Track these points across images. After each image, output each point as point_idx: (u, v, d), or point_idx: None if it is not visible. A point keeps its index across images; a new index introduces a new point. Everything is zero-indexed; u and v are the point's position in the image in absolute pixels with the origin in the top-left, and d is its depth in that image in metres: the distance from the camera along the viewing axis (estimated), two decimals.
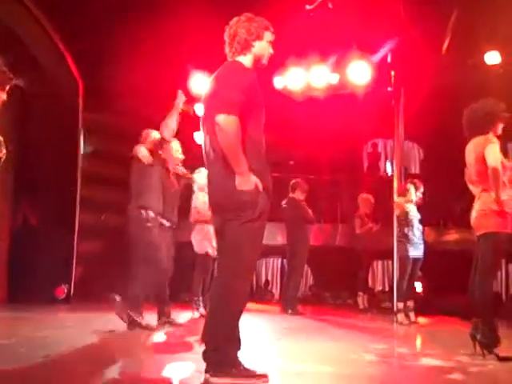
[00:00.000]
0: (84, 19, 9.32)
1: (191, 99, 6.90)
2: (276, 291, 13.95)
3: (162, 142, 6.81)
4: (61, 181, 10.31)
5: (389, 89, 10.54)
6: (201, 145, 4.23)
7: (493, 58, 9.70)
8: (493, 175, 5.34)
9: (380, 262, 13.40)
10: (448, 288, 10.11)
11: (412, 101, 10.36)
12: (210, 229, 7.86)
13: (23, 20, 9.24)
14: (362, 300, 10.88)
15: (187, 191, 8.54)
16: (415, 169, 14.68)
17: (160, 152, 7.01)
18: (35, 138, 9.96)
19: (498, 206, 5.36)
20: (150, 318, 7.01)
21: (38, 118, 10.06)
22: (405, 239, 8.78)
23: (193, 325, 7.29)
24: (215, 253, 7.14)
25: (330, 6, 9.52)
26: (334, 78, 10.69)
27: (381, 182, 12.98)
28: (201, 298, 8.74)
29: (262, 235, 4.09)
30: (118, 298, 6.72)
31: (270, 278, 14.41)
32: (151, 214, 6.77)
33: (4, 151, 4.89)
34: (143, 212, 6.72)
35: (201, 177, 8.12)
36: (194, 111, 7.87)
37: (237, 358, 3.95)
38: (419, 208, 9.02)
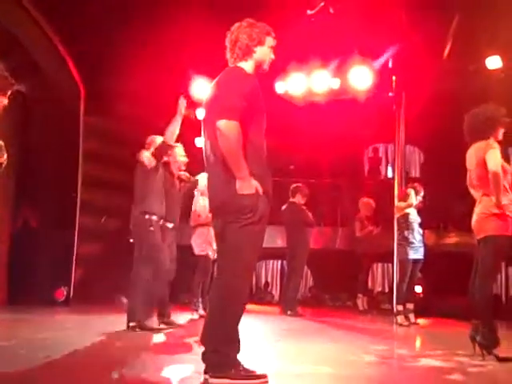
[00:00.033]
0: (85, 24, 9.35)
1: (192, 104, 6.92)
2: (276, 292, 13.98)
3: (167, 148, 6.86)
4: (61, 184, 10.34)
5: (390, 94, 10.58)
6: (201, 149, 4.26)
7: (494, 62, 9.72)
8: (493, 179, 5.37)
9: (380, 265, 13.43)
10: (447, 290, 10.15)
11: (413, 106, 10.40)
12: (211, 232, 7.90)
13: (24, 25, 9.27)
14: (361, 302, 10.92)
15: (187, 195, 8.58)
16: (416, 172, 14.72)
17: (165, 158, 7.08)
18: (36, 143, 10.00)
19: (499, 209, 5.39)
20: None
21: (40, 122, 10.10)
22: (405, 242, 8.82)
23: (192, 326, 7.31)
24: (215, 255, 7.20)
25: (332, 11, 9.56)
26: (336, 83, 10.74)
27: (381, 186, 13.00)
28: (200, 300, 8.78)
29: (263, 238, 4.12)
30: (124, 300, 6.78)
31: (269, 279, 14.45)
32: (154, 218, 6.83)
33: (5, 156, 4.91)
34: (147, 216, 6.77)
35: (202, 181, 8.17)
36: (195, 116, 7.92)
37: (236, 359, 3.96)
38: (419, 211, 9.06)
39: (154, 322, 6.91)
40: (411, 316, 8.74)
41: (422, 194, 9.09)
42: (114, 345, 5.94)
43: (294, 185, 10.21)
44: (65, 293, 10.12)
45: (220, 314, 4.01)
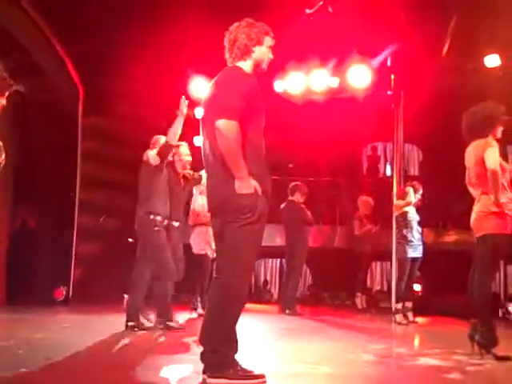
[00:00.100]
0: (84, 25, 9.34)
1: (191, 104, 6.93)
2: (275, 291, 14.00)
3: (170, 148, 6.86)
4: (60, 184, 10.34)
5: (389, 92, 10.58)
6: (200, 148, 4.26)
7: (493, 60, 9.73)
8: (492, 178, 5.37)
9: (379, 263, 13.45)
10: (446, 288, 10.17)
11: (412, 104, 10.40)
12: (209, 231, 7.91)
13: (23, 26, 9.25)
14: (360, 300, 10.94)
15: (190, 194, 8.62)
16: (414, 171, 14.74)
17: (169, 158, 7.10)
18: (35, 143, 9.99)
19: (498, 208, 5.39)
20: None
21: (38, 122, 10.09)
22: (404, 241, 8.82)
23: (191, 325, 7.30)
24: (214, 254, 7.22)
25: (330, 10, 9.55)
26: (334, 82, 10.74)
27: (380, 184, 13.01)
28: (199, 299, 8.78)
29: (261, 237, 4.12)
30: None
31: (268, 278, 14.47)
32: (158, 218, 6.84)
33: (3, 156, 4.90)
34: (151, 217, 6.79)
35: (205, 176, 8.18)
36: (194, 115, 7.93)
37: (234, 359, 3.96)
38: (418, 210, 9.07)
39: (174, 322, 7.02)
40: (410, 314, 8.76)
41: (420, 192, 9.09)
42: (112, 345, 5.93)
43: (293, 183, 10.22)
44: (64, 292, 10.12)
45: (219, 313, 4.01)
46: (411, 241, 8.78)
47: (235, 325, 4.01)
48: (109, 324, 7.07)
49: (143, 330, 6.73)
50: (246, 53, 4.17)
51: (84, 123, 10.68)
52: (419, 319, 8.97)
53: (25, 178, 9.98)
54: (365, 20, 9.62)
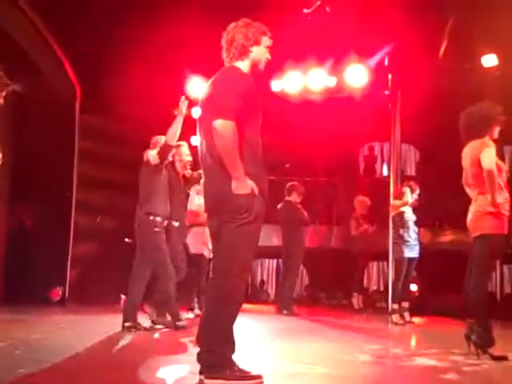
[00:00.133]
0: (81, 24, 9.33)
1: (189, 103, 6.91)
2: (271, 291, 14.00)
3: (170, 148, 6.85)
4: (57, 184, 10.32)
5: (386, 92, 10.59)
6: (196, 147, 4.26)
7: (490, 60, 9.73)
8: (488, 178, 5.38)
9: (375, 263, 13.46)
10: (443, 288, 10.18)
11: (409, 104, 10.41)
12: (206, 231, 7.91)
13: (20, 25, 9.24)
14: (356, 300, 10.94)
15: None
16: (411, 171, 14.74)
17: (170, 158, 7.10)
18: (32, 143, 9.97)
19: (494, 208, 5.39)
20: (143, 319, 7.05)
21: (35, 122, 10.08)
22: (400, 241, 8.83)
23: (188, 325, 7.28)
24: (211, 255, 7.23)
25: (328, 9, 9.54)
26: (332, 81, 10.73)
27: (377, 184, 13.02)
28: (196, 299, 8.78)
29: (258, 237, 4.11)
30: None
31: (265, 278, 14.47)
32: (158, 219, 6.84)
33: (1, 155, 4.89)
34: (151, 217, 6.79)
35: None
36: (191, 115, 7.92)
37: (231, 359, 3.95)
38: (415, 210, 9.07)
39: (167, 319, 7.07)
40: (406, 314, 8.77)
41: (417, 192, 9.10)
42: (109, 345, 5.92)
43: (290, 183, 10.21)
44: (60, 293, 10.10)
45: (215, 314, 4.00)
46: (408, 241, 8.79)
47: (232, 325, 4.00)
48: (105, 324, 7.05)
49: (140, 330, 6.72)
50: (243, 53, 4.16)
51: (81, 123, 10.66)
52: (416, 319, 8.99)
53: (22, 177, 9.97)
54: (362, 20, 9.63)
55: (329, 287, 12.86)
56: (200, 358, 3.93)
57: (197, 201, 8.65)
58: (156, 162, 6.82)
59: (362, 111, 11.47)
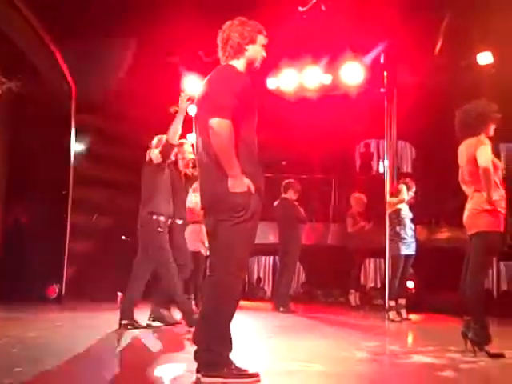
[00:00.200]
0: (77, 23, 9.31)
1: (189, 100, 6.89)
2: (268, 288, 14.00)
3: (171, 147, 6.84)
4: (53, 182, 10.31)
5: (381, 89, 10.57)
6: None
7: (485, 58, 9.74)
8: (484, 175, 5.38)
9: (372, 260, 13.47)
10: (439, 285, 10.19)
11: (404, 101, 10.39)
12: (203, 228, 7.91)
13: (16, 24, 9.22)
14: (353, 297, 10.94)
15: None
16: (407, 168, 14.75)
17: (172, 158, 7.11)
18: (28, 141, 9.96)
19: (490, 205, 5.40)
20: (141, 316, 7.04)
21: (31, 120, 10.06)
22: (397, 238, 8.84)
23: (185, 324, 7.28)
24: (207, 252, 7.23)
25: (323, 7, 9.53)
26: (327, 79, 10.73)
27: (373, 181, 13.02)
28: (192, 297, 8.78)
29: (255, 235, 4.12)
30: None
31: (262, 275, 14.47)
32: (162, 218, 6.84)
33: None
34: (154, 217, 6.79)
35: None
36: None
37: (229, 357, 3.96)
38: (411, 207, 9.08)
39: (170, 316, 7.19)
40: (403, 311, 8.78)
41: (413, 189, 9.11)
42: (105, 343, 5.92)
43: (286, 181, 10.22)
44: (57, 290, 10.09)
45: (212, 312, 4.01)
46: (404, 238, 8.80)
47: (229, 323, 4.01)
48: (102, 322, 7.05)
49: (137, 328, 6.73)
50: (239, 51, 4.17)
51: (77, 122, 10.65)
52: (412, 316, 9.01)
53: (18, 175, 9.96)
54: (358, 17, 9.62)
55: (325, 284, 12.86)
56: (197, 356, 3.94)
57: (193, 198, 8.63)
58: (158, 160, 6.81)
59: (357, 109, 11.48)
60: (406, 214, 8.95)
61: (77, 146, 10.69)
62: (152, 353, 5.43)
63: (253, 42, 4.18)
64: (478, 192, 5.52)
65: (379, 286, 12.95)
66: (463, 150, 5.68)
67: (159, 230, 6.79)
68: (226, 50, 4.18)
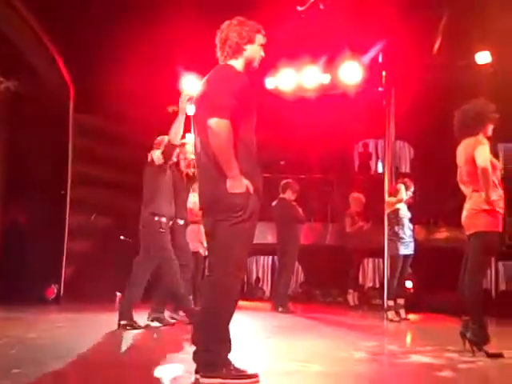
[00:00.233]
0: (75, 23, 9.31)
1: (189, 99, 6.87)
2: (267, 288, 13.99)
3: (173, 148, 6.84)
4: (51, 182, 10.31)
5: (380, 89, 10.58)
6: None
7: (483, 57, 9.74)
8: (482, 175, 5.38)
9: (371, 260, 13.47)
10: (438, 285, 10.20)
11: (403, 101, 10.40)
12: (201, 228, 7.91)
13: (14, 23, 9.22)
14: (352, 297, 10.94)
15: None
16: (406, 168, 14.75)
17: (174, 159, 7.12)
18: (26, 141, 9.95)
19: (489, 205, 5.40)
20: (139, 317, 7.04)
21: (29, 120, 10.05)
22: (395, 238, 8.85)
23: (183, 324, 7.29)
24: (206, 252, 7.25)
25: (322, 7, 9.54)
26: (326, 79, 10.73)
27: (372, 181, 13.02)
28: (191, 297, 8.77)
29: (253, 235, 4.12)
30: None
31: (260, 275, 14.47)
32: (164, 219, 6.85)
33: None
34: (156, 218, 6.80)
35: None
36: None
37: (227, 358, 3.95)
38: (410, 207, 9.09)
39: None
40: (402, 311, 8.78)
41: (412, 189, 9.12)
42: (104, 344, 5.92)
43: (285, 181, 10.21)
44: (55, 291, 10.08)
45: (211, 312, 4.00)
46: (403, 238, 8.81)
47: (228, 323, 4.00)
48: (101, 323, 7.04)
49: (135, 328, 6.72)
50: (237, 51, 4.16)
51: (75, 122, 10.64)
52: (411, 316, 9.01)
53: (16, 175, 9.94)
54: (356, 16, 9.63)
55: (324, 284, 12.86)
56: (196, 356, 3.93)
57: (192, 198, 8.63)
58: (160, 162, 6.82)
59: (356, 108, 11.48)
60: (405, 213, 8.96)
61: (75, 146, 10.68)
62: (151, 353, 5.42)
63: (251, 41, 4.17)
64: (476, 192, 5.51)
65: (378, 285, 12.95)
66: (461, 150, 5.68)
67: (161, 230, 6.81)
68: (225, 50, 4.17)
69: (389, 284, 9.10)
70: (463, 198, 5.69)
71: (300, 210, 10.02)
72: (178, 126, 6.65)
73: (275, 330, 7.49)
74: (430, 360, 5.19)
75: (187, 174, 7.80)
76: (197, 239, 8.70)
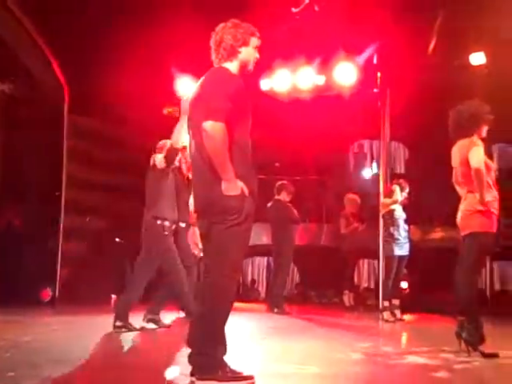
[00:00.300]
0: (70, 25, 9.29)
1: (178, 102, 6.88)
2: (262, 289, 13.97)
3: (176, 151, 6.84)
4: (46, 184, 10.29)
5: (375, 90, 10.58)
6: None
7: (478, 58, 9.76)
8: (476, 176, 5.40)
9: (366, 261, 13.47)
10: (433, 285, 10.22)
11: (398, 102, 10.40)
12: (197, 231, 7.92)
13: (9, 26, 9.20)
14: (347, 298, 10.94)
15: None
16: (401, 169, 14.74)
17: (176, 163, 7.14)
18: (20, 143, 9.94)
19: (483, 206, 5.42)
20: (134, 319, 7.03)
21: (24, 122, 10.04)
22: (390, 239, 8.86)
23: (179, 325, 7.28)
24: (201, 254, 7.24)
25: (316, 8, 9.55)
26: (320, 80, 10.72)
27: (367, 182, 13.03)
28: None
29: (249, 237, 4.12)
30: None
31: (256, 276, 14.45)
32: (167, 223, 6.87)
33: None
34: (159, 222, 6.82)
35: None
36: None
37: (223, 360, 3.96)
38: (405, 208, 9.10)
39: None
40: (397, 312, 8.80)
41: (407, 190, 9.13)
42: (99, 346, 5.90)
43: (280, 182, 10.22)
44: (50, 293, 10.06)
45: (207, 314, 4.00)
46: (398, 239, 8.82)
47: (224, 325, 4.00)
48: (96, 325, 7.03)
49: (131, 330, 6.71)
50: (232, 54, 4.16)
51: (70, 124, 10.62)
52: (406, 317, 9.03)
53: (10, 178, 9.92)
54: (351, 18, 9.63)
55: (319, 285, 12.86)
56: (191, 359, 3.92)
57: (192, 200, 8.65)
58: (162, 166, 6.82)
59: (351, 109, 11.47)
60: (400, 214, 8.97)
61: (69, 148, 10.66)
62: (146, 356, 5.42)
63: (246, 44, 4.17)
64: (471, 193, 5.54)
65: (373, 286, 12.95)
66: (456, 152, 5.70)
67: (166, 233, 6.84)
68: (219, 53, 4.17)
69: (384, 285, 9.11)
70: (458, 198, 5.71)
71: (295, 211, 10.03)
72: (180, 130, 6.65)
73: (270, 331, 7.49)
74: (425, 360, 5.21)
75: (188, 178, 7.81)
76: (192, 241, 8.71)
